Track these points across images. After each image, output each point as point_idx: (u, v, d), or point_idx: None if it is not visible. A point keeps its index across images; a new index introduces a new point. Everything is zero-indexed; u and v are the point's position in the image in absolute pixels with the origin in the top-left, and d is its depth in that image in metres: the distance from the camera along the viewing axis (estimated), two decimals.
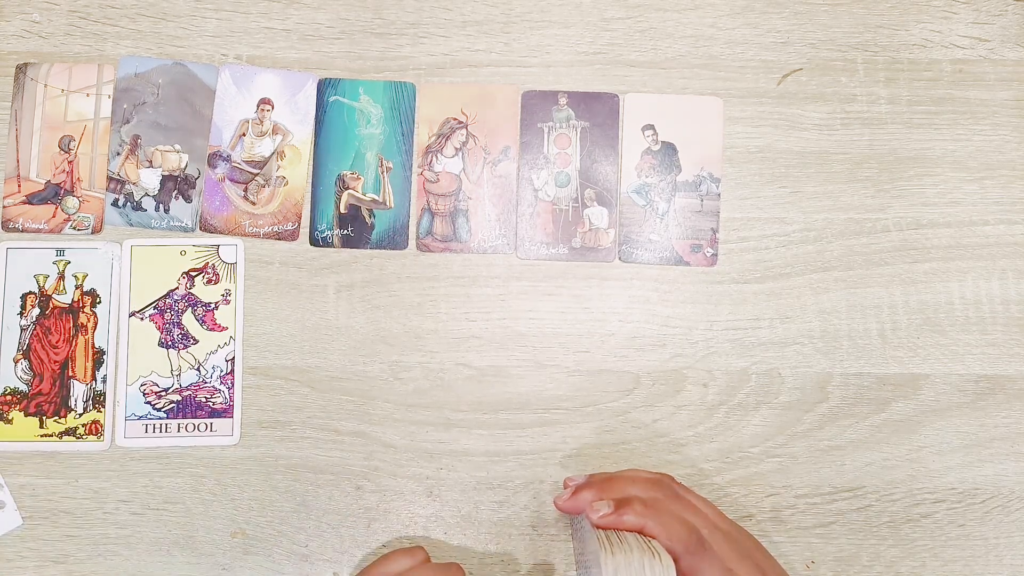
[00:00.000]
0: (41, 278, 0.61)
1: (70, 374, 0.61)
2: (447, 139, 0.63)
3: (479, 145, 0.63)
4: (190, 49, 0.64)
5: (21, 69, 0.63)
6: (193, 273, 0.62)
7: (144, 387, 0.61)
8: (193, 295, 0.62)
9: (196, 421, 0.60)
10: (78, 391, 0.60)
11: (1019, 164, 0.63)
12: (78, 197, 0.62)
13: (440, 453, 0.61)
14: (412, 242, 0.63)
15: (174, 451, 0.60)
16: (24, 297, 0.61)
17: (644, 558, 0.48)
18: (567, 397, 0.61)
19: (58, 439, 0.60)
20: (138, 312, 0.61)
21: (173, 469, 0.60)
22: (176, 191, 0.62)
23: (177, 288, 0.62)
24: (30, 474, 0.60)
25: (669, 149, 0.63)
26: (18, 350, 0.61)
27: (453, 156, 0.63)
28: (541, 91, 0.64)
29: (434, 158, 0.63)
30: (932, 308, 0.62)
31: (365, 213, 0.63)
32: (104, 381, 0.61)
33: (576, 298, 0.62)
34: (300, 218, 0.63)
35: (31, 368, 0.61)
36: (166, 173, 0.63)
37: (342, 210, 0.63)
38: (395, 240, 0.63)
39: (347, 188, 0.63)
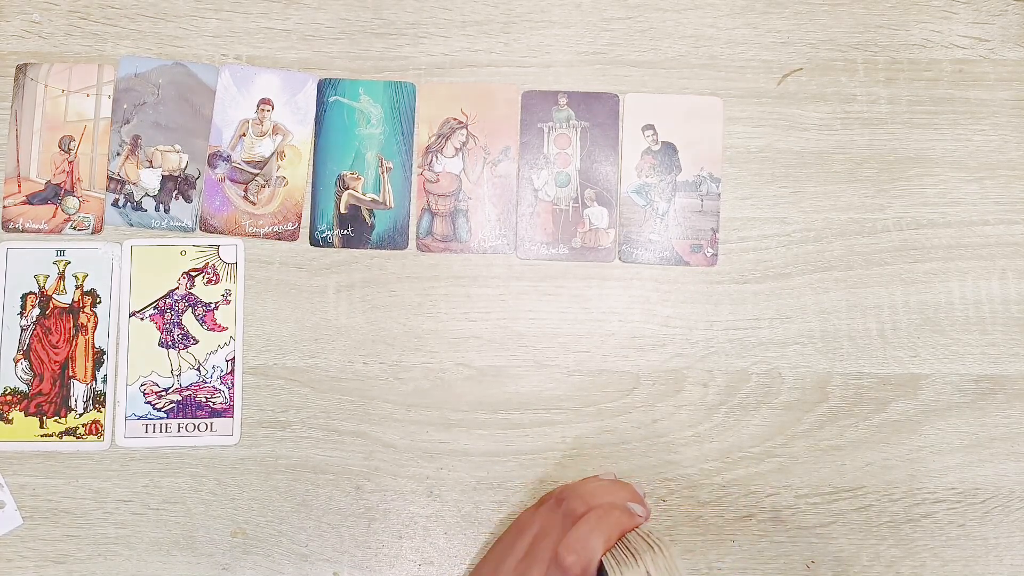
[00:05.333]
0: (41, 278, 0.61)
1: (70, 374, 0.61)
2: (447, 139, 0.63)
3: (479, 145, 0.63)
4: (190, 49, 0.64)
5: (21, 69, 0.63)
6: (193, 273, 0.62)
7: (144, 387, 0.61)
8: (193, 295, 0.62)
9: (196, 421, 0.60)
10: (78, 391, 0.60)
11: (1019, 164, 0.63)
12: (78, 197, 0.62)
13: (440, 453, 0.61)
14: (412, 242, 0.63)
15: (174, 451, 0.60)
16: (24, 297, 0.61)
17: (647, 556, 0.48)
18: (567, 397, 0.61)
19: (58, 439, 0.60)
20: (138, 312, 0.61)
21: (173, 469, 0.60)
22: (176, 191, 0.62)
23: (177, 288, 0.62)
24: (30, 474, 0.60)
25: (669, 149, 0.63)
26: (18, 350, 0.61)
27: (453, 156, 0.63)
28: (541, 91, 0.64)
29: (434, 158, 0.63)
30: (932, 308, 0.62)
31: (365, 213, 0.63)
32: (104, 381, 0.61)
33: (576, 298, 0.62)
34: (300, 218, 0.63)
35: (31, 368, 0.61)
36: (166, 173, 0.63)
37: (342, 210, 0.63)
38: (395, 240, 0.63)
39: (347, 188, 0.63)
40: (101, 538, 0.60)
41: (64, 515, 0.60)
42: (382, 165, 0.63)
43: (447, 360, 0.62)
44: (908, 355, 0.62)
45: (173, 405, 0.61)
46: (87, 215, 0.62)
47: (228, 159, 0.63)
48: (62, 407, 0.60)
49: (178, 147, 0.63)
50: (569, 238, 0.63)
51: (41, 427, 0.60)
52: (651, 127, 0.63)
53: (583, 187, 0.63)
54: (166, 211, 0.62)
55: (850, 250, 0.63)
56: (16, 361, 0.61)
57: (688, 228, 0.63)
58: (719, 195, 0.63)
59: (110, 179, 0.62)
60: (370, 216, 0.63)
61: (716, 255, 0.62)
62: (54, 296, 0.61)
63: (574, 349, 0.62)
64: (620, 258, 0.63)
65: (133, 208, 0.62)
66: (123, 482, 0.60)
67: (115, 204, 0.62)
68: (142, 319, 0.61)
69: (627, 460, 0.61)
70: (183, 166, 0.63)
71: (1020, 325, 0.62)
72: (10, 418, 0.60)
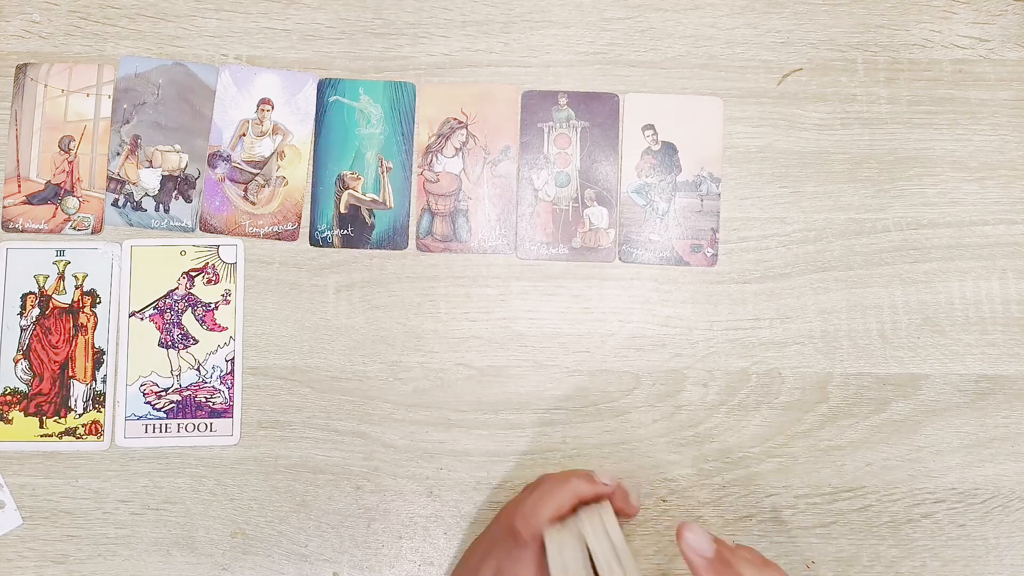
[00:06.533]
0: (41, 278, 0.61)
1: (70, 374, 0.61)
2: (447, 139, 0.63)
3: (479, 145, 0.63)
4: (190, 49, 0.64)
5: (21, 69, 0.63)
6: (193, 273, 0.62)
7: (144, 387, 0.61)
8: (193, 295, 0.62)
9: (196, 421, 0.60)
10: (78, 391, 0.60)
11: (1019, 164, 0.63)
12: (78, 197, 0.62)
13: (440, 453, 0.61)
14: (412, 242, 0.63)
15: (174, 451, 0.60)
16: (24, 297, 0.61)
17: (583, 516, 0.50)
18: (567, 397, 0.61)
19: (58, 439, 0.60)
20: (138, 312, 0.61)
21: (173, 469, 0.60)
22: (176, 191, 0.62)
23: (177, 288, 0.62)
24: (30, 474, 0.60)
25: (669, 149, 0.63)
26: (18, 350, 0.61)
27: (453, 156, 0.63)
28: (541, 91, 0.64)
29: (434, 158, 0.63)
30: (932, 308, 0.62)
31: (365, 213, 0.63)
32: (104, 381, 0.61)
33: (576, 298, 0.62)
34: (300, 218, 0.63)
35: (31, 368, 0.61)
36: (166, 173, 0.63)
37: (342, 210, 0.63)
38: (395, 240, 0.63)
39: (347, 188, 0.63)
40: (101, 538, 0.60)
41: (64, 515, 0.60)
42: (382, 165, 0.63)
43: (447, 360, 0.62)
44: (908, 355, 0.62)
45: (173, 405, 0.61)
46: (87, 215, 0.62)
47: (228, 159, 0.63)
48: (62, 407, 0.60)
49: (178, 147, 0.63)
50: (569, 238, 0.63)
51: (41, 427, 0.60)
52: (651, 127, 0.63)
53: (583, 187, 0.63)
54: (166, 211, 0.62)
55: (850, 250, 0.63)
56: (16, 361, 0.61)
57: (688, 228, 0.63)
58: (719, 195, 0.63)
59: (110, 179, 0.62)
60: (370, 216, 0.63)
61: (716, 255, 0.62)
62: (54, 296, 0.61)
63: (574, 349, 0.62)
64: (620, 258, 0.63)
65: (133, 208, 0.62)
66: (123, 482, 0.60)
67: (115, 204, 0.62)
68: (142, 319, 0.61)
69: (627, 460, 0.61)
70: (183, 166, 0.63)
71: (1020, 325, 0.62)
72: (10, 418, 0.60)
